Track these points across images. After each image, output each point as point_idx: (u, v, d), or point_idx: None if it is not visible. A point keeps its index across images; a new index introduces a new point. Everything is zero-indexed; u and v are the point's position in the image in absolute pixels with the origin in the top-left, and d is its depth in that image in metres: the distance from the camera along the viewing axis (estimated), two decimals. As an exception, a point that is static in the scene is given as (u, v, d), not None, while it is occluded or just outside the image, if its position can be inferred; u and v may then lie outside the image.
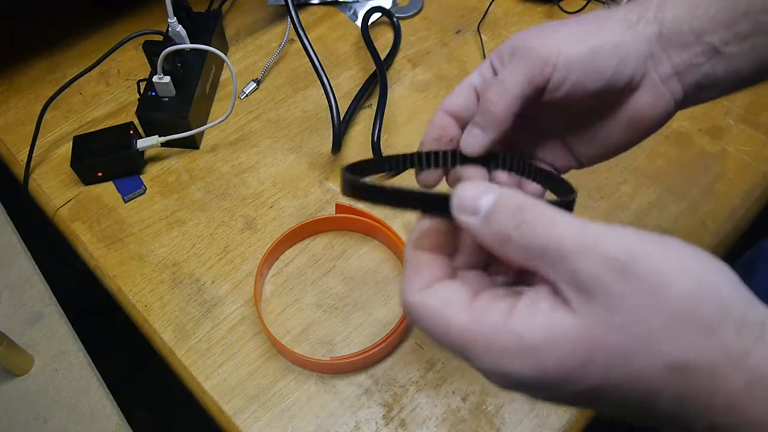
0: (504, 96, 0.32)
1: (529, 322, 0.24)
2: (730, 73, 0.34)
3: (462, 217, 0.26)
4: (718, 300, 0.23)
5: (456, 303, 0.26)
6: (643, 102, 0.34)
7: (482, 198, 0.25)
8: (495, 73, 0.35)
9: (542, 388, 0.25)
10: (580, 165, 0.38)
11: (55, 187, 0.61)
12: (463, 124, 0.35)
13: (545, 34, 0.33)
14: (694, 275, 0.23)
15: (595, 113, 0.36)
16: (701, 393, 0.23)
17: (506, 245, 0.25)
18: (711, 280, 0.23)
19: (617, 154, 0.37)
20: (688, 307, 0.22)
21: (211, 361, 0.51)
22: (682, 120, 0.63)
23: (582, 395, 0.24)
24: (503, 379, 0.25)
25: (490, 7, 0.73)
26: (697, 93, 0.35)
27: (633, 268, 0.23)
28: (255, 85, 0.68)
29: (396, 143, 0.63)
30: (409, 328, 0.52)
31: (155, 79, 0.60)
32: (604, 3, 0.71)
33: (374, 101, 0.66)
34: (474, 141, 0.34)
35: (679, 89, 0.34)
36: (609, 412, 0.25)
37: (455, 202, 0.26)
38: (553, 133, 0.37)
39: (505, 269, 0.30)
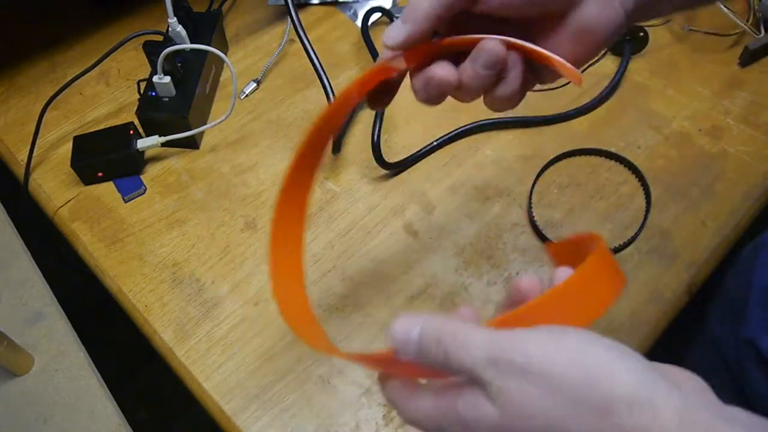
0: None
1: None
2: None
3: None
4: (609, 383, 0.26)
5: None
6: (590, 13, 0.35)
7: (412, 331, 0.29)
8: None
9: None
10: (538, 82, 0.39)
11: (55, 187, 0.61)
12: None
13: None
14: (584, 365, 0.26)
15: (543, 25, 0.36)
16: None
17: (440, 373, 0.29)
18: (602, 365, 0.26)
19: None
20: (582, 394, 0.25)
21: (211, 361, 0.51)
22: (682, 120, 0.63)
23: None
24: None
25: (490, 7, 0.73)
26: (648, 4, 0.36)
27: (532, 369, 0.26)
28: (255, 85, 0.68)
29: (396, 143, 0.63)
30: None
31: (155, 79, 0.60)
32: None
33: (374, 101, 0.65)
34: (395, 33, 0.36)
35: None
36: None
37: (392, 334, 0.30)
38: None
39: None
